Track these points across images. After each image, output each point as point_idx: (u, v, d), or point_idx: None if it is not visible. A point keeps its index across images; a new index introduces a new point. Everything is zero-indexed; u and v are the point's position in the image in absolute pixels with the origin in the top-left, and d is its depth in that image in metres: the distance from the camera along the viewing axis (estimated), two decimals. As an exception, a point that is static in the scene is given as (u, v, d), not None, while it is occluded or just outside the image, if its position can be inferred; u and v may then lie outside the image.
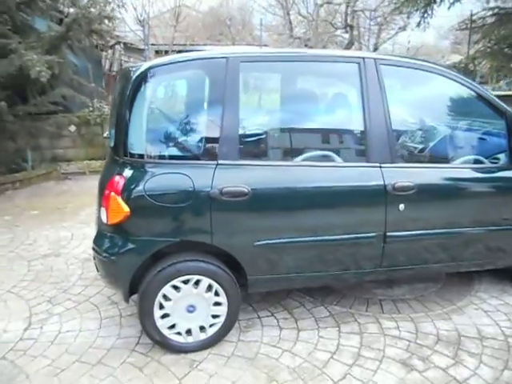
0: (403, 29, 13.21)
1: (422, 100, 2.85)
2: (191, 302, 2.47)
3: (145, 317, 2.45)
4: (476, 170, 2.74)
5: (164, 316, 2.46)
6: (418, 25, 7.12)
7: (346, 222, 2.53)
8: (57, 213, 5.34)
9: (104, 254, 2.40)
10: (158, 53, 14.56)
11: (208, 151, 2.37)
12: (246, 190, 2.31)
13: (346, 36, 13.01)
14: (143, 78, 2.37)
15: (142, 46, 12.56)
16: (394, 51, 18.08)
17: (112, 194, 2.31)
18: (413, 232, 2.63)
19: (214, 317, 2.53)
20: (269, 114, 2.78)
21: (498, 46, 7.21)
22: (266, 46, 15.12)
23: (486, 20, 7.47)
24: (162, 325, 2.46)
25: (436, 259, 2.84)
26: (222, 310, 2.52)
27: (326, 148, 2.59)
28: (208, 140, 2.39)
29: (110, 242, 2.40)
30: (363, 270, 2.70)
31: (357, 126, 2.57)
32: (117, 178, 2.32)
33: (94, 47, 6.85)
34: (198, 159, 2.37)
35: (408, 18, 7.69)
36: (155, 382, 2.32)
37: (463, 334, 2.70)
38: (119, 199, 2.29)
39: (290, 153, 2.61)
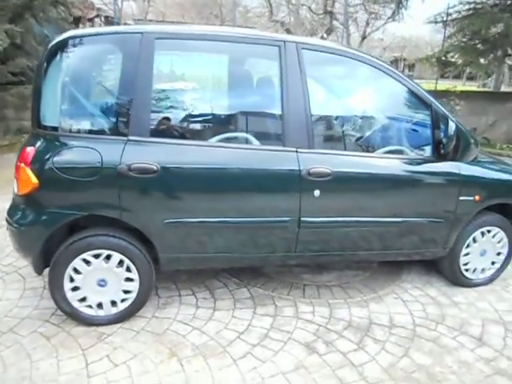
0: (393, 19, 13.09)
1: (345, 87, 2.85)
2: (102, 276, 2.49)
3: (55, 288, 2.47)
4: (397, 160, 2.75)
5: (75, 289, 2.48)
6: (393, 16, 7.07)
7: (258, 205, 2.54)
8: (11, 185, 5.30)
9: (14, 225, 2.41)
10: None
11: (119, 127, 2.36)
12: (154, 168, 2.32)
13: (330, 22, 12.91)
14: (58, 48, 2.36)
15: (129, 21, 12.44)
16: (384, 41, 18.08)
17: (22, 164, 2.31)
18: (329, 219, 2.66)
19: (126, 292, 2.55)
20: (183, 93, 2.77)
21: (471, 41, 7.20)
22: (252, 28, 14.99)
23: (461, 14, 7.44)
24: (72, 297, 2.49)
25: (359, 247, 2.87)
26: (134, 286, 2.54)
27: (242, 130, 2.59)
28: (120, 116, 2.37)
29: (21, 213, 2.41)
30: (279, 253, 2.72)
31: (274, 109, 2.55)
32: (28, 149, 2.33)
33: (64, 19, 6.71)
34: (109, 134, 2.36)
35: (383, 7, 7.66)
36: (59, 351, 2.36)
37: (375, 321, 2.75)
38: (28, 170, 2.29)
39: (205, 133, 2.61)
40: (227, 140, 2.50)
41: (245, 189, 2.50)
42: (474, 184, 2.89)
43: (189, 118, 2.59)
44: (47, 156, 2.29)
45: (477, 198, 2.88)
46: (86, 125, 2.40)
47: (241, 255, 2.69)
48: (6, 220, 2.47)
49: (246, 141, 2.55)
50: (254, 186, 2.51)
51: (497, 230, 3.10)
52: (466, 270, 3.15)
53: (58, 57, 2.37)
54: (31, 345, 2.40)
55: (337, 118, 2.93)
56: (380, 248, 2.92)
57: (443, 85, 9.64)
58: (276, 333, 2.59)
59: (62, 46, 2.37)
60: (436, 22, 7.95)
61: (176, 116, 2.57)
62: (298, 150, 2.50)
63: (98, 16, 10.58)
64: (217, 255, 2.65)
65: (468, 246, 3.06)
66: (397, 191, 2.76)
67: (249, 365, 2.31)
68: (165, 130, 2.50)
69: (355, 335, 2.60)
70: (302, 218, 2.58)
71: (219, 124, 2.63)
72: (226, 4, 16.86)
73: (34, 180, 2.28)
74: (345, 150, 2.82)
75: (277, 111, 2.52)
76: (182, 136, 2.55)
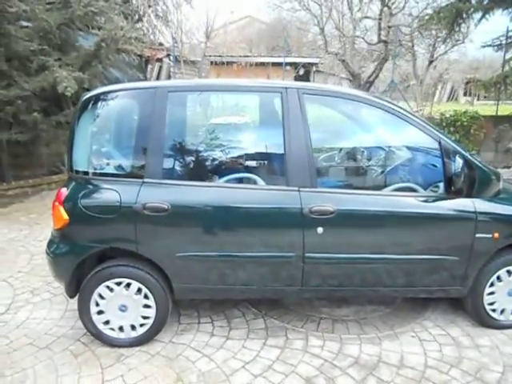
0: (462, 41, 12.67)
1: (347, 127, 2.91)
2: (123, 302, 2.77)
3: (83, 311, 2.79)
4: (405, 198, 2.75)
5: (100, 312, 2.78)
6: (444, 41, 6.89)
7: (263, 241, 2.69)
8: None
9: (50, 255, 2.79)
10: (212, 63, 15.38)
11: (136, 170, 2.68)
12: (165, 207, 2.58)
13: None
14: (89, 102, 2.76)
15: (194, 58, 13.38)
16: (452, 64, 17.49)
17: (56, 203, 2.70)
18: (334, 255, 2.72)
19: (145, 318, 2.80)
20: (194, 139, 3.01)
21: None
22: (318, 58, 15.39)
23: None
24: (97, 320, 2.79)
25: (370, 283, 2.88)
26: (151, 313, 2.79)
27: (248, 171, 2.78)
28: (137, 160, 2.71)
29: (55, 245, 2.79)
30: (290, 287, 2.82)
31: (278, 151, 2.72)
32: (62, 190, 2.72)
33: (128, 64, 7.43)
34: (128, 177, 2.68)
35: (437, 34, 7.47)
36: (82, 368, 2.65)
37: (384, 360, 2.73)
38: (61, 208, 2.67)
39: (212, 174, 2.83)
40: (233, 180, 2.71)
41: (248, 226, 2.68)
42: (493, 221, 2.80)
43: (198, 161, 2.84)
44: (76, 196, 2.65)
45: (496, 235, 2.77)
46: (108, 169, 2.75)
47: (251, 287, 2.83)
48: (45, 250, 2.86)
49: (252, 181, 2.74)
50: (259, 223, 2.67)
51: (526, 269, 2.93)
52: (493, 311, 2.99)
53: (89, 109, 2.77)
54: (61, 361, 2.72)
55: (341, 156, 3.01)
56: (393, 285, 2.89)
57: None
58: (280, 365, 2.67)
59: (92, 101, 2.77)
60: (492, 46, 7.60)
61: (186, 160, 2.83)
62: (301, 189, 2.63)
63: (168, 56, 11.51)
64: (228, 287, 2.82)
65: (492, 284, 2.93)
66: (405, 229, 2.76)
67: (246, 394, 2.42)
68: (176, 173, 2.78)
69: (359, 373, 2.60)
70: (306, 254, 2.68)
71: (226, 166, 2.84)
72: (292, 36, 17.44)
73: (65, 216, 2.65)
74: (350, 188, 2.88)
75: (280, 153, 2.68)
76: (192, 178, 2.80)
